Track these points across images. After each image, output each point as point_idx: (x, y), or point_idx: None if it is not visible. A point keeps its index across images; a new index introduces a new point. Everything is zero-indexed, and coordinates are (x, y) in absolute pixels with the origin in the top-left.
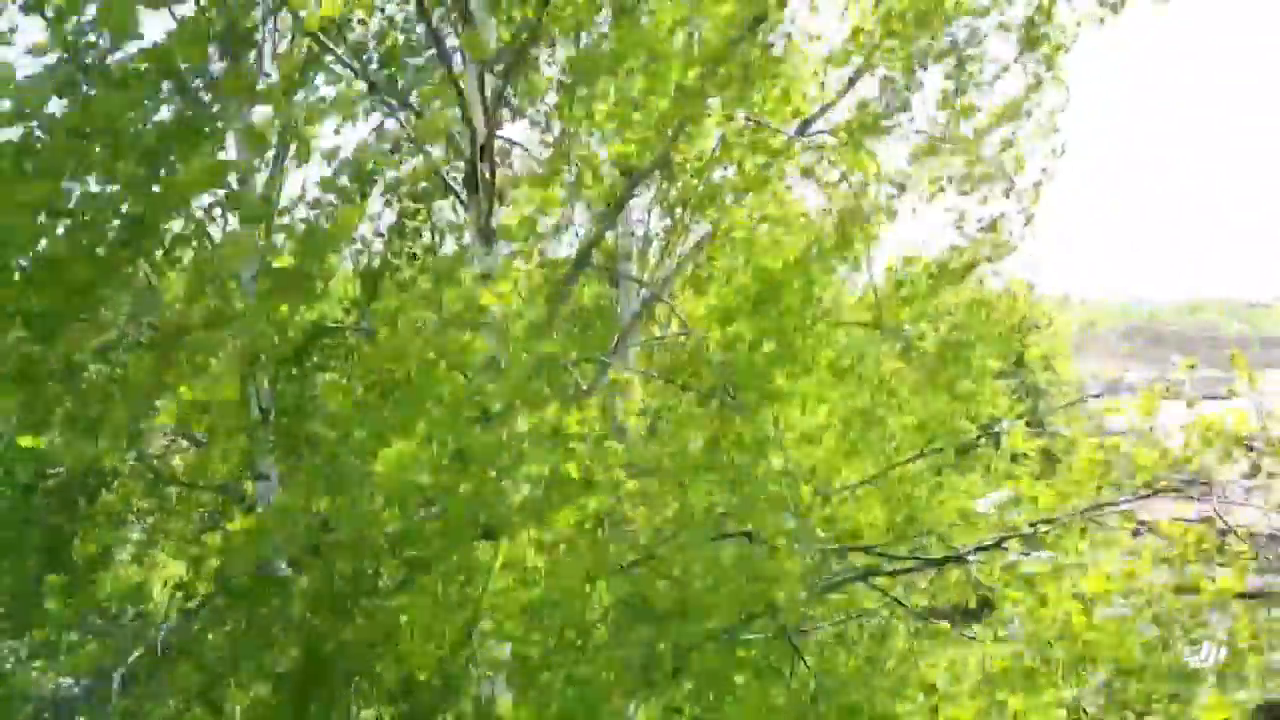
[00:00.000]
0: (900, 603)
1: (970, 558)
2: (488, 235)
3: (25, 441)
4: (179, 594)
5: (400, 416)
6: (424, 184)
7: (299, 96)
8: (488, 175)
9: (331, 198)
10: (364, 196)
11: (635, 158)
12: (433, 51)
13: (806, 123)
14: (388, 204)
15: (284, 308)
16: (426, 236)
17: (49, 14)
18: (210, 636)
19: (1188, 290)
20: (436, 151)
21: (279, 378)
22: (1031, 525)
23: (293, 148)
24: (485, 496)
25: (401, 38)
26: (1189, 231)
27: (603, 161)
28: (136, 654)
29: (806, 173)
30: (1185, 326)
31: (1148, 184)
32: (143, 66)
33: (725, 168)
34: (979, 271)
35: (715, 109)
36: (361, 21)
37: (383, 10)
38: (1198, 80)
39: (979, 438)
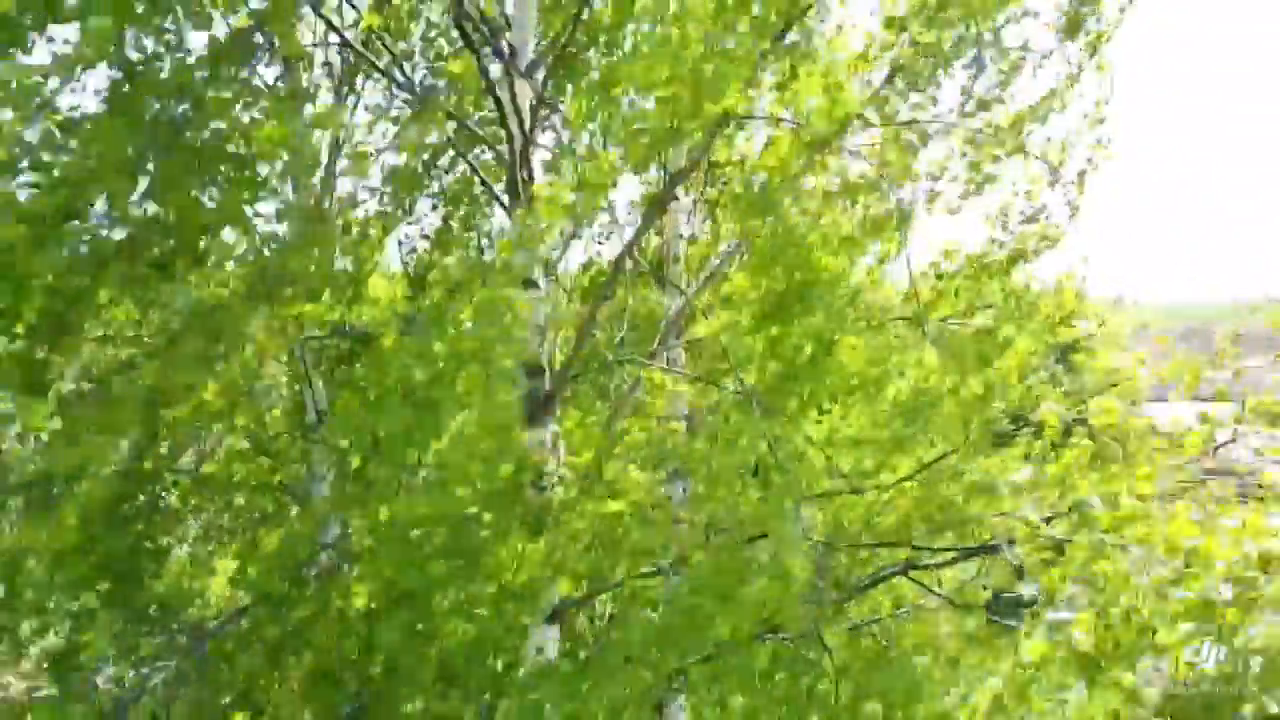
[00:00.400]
0: (935, 592)
1: (1007, 546)
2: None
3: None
4: (234, 591)
5: (416, 422)
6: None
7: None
8: (527, 181)
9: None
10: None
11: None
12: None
13: (841, 125)
14: (433, 208)
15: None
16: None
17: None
18: (253, 638)
19: (1242, 291)
20: (486, 156)
21: (333, 380)
22: (1070, 510)
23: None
24: (512, 496)
25: (445, 47)
26: (1244, 231)
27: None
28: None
29: (845, 180)
30: (1241, 327)
31: (1198, 183)
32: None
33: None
34: (1024, 266)
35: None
36: (399, 30)
37: (429, 20)
38: (1248, 77)
39: (1019, 426)
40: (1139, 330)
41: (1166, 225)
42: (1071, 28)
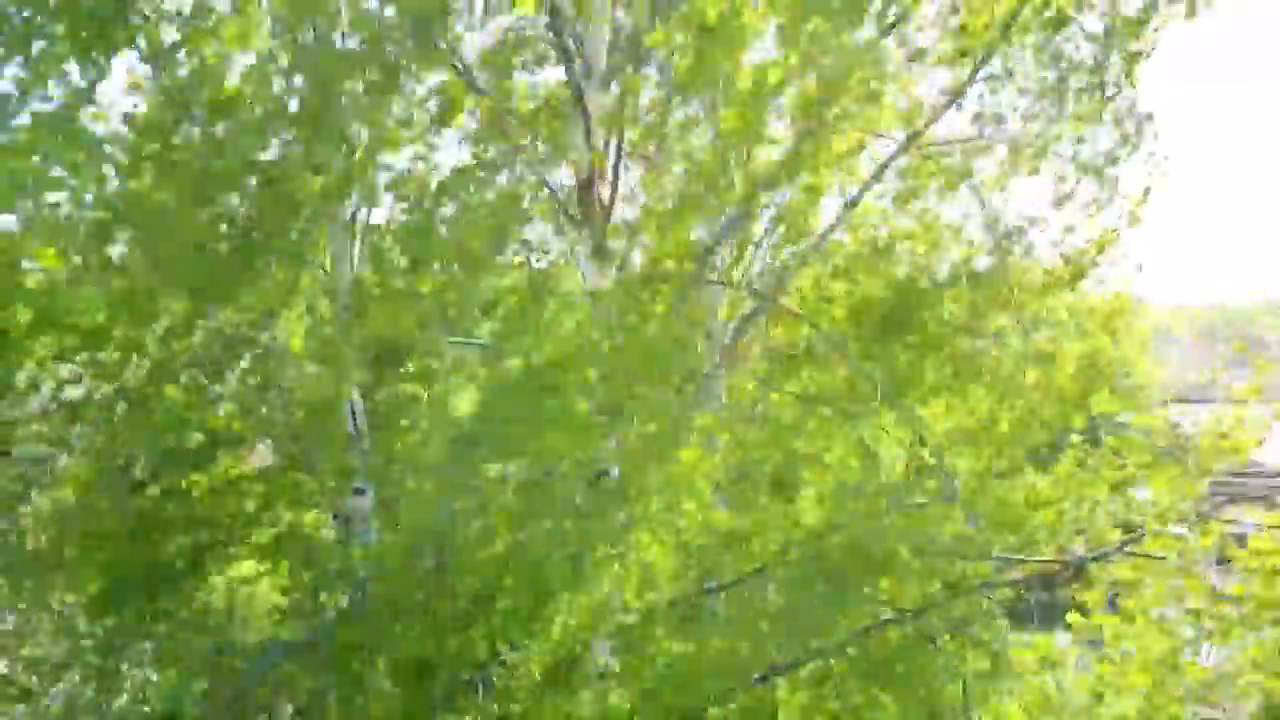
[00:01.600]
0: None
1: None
2: (602, 255)
3: None
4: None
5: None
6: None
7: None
8: (604, 196)
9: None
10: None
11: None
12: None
13: (915, 134)
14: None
15: None
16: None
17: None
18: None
19: (1272, 292)
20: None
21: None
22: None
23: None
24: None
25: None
26: (1257, 233)
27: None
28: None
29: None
30: (1271, 329)
31: (1228, 179)
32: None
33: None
34: (1087, 280)
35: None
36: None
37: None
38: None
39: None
40: (1159, 332)
41: (1178, 225)
42: (1112, 41)
